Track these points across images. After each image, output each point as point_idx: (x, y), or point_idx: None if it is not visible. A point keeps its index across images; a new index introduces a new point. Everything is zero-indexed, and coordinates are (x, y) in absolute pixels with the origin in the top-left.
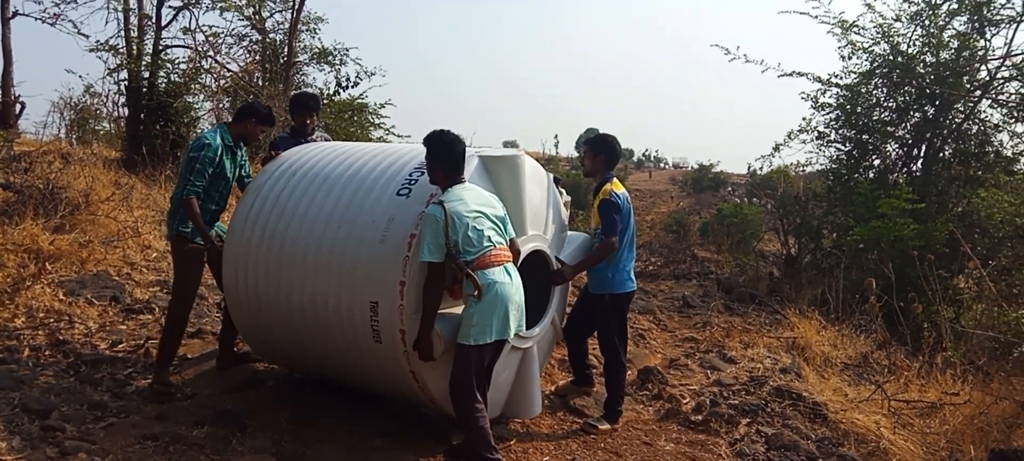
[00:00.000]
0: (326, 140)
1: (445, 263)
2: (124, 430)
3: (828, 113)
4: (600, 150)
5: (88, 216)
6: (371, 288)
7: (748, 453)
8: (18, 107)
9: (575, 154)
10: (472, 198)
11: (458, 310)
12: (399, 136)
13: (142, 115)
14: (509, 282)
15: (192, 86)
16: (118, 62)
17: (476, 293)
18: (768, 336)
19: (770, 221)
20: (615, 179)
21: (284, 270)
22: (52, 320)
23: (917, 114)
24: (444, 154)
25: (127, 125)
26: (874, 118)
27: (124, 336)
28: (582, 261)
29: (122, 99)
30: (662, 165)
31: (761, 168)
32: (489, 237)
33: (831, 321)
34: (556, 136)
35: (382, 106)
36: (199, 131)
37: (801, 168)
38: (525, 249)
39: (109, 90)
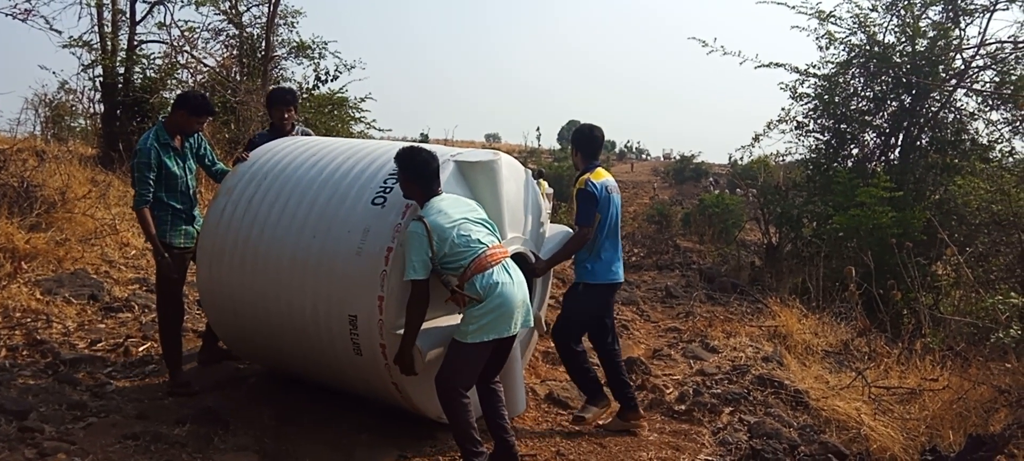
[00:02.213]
0: (306, 134)
1: (433, 279)
2: (104, 430)
3: (806, 103)
4: (577, 144)
5: (64, 214)
6: (349, 302)
7: (731, 442)
8: None
9: (557, 146)
10: (451, 207)
11: (442, 322)
12: (380, 130)
13: (118, 111)
14: (510, 280)
15: (168, 82)
16: (92, 58)
17: (477, 298)
18: (750, 325)
19: (751, 211)
20: (599, 168)
21: (259, 278)
22: (29, 319)
23: (894, 103)
24: (421, 173)
25: (103, 122)
26: (852, 107)
27: (103, 335)
28: (555, 254)
29: (97, 95)
30: (644, 156)
31: (742, 158)
32: (478, 239)
33: (812, 309)
34: (538, 128)
35: (362, 100)
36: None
37: (781, 158)
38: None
39: (84, 86)
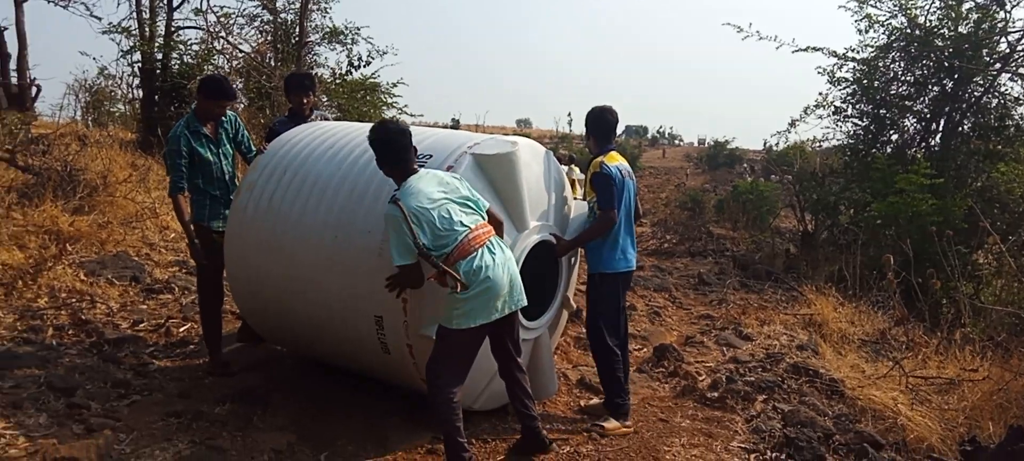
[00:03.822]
0: (324, 119)
1: (424, 262)
2: (148, 407)
3: (845, 88)
4: (590, 127)
5: (106, 197)
6: (374, 302)
7: (764, 429)
8: (34, 90)
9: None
10: (430, 186)
11: None
12: (412, 115)
13: (156, 97)
14: (493, 263)
15: (205, 67)
16: (131, 44)
17: (459, 289)
18: (785, 313)
19: (786, 198)
20: (612, 151)
21: (284, 277)
22: (74, 300)
23: (935, 88)
24: (388, 151)
25: (142, 107)
26: (891, 92)
27: (145, 315)
28: (579, 236)
29: (136, 81)
30: (677, 142)
31: (777, 144)
32: (460, 221)
33: (848, 298)
34: (569, 114)
35: (394, 85)
36: None
37: (818, 144)
38: (530, 242)
39: (123, 72)
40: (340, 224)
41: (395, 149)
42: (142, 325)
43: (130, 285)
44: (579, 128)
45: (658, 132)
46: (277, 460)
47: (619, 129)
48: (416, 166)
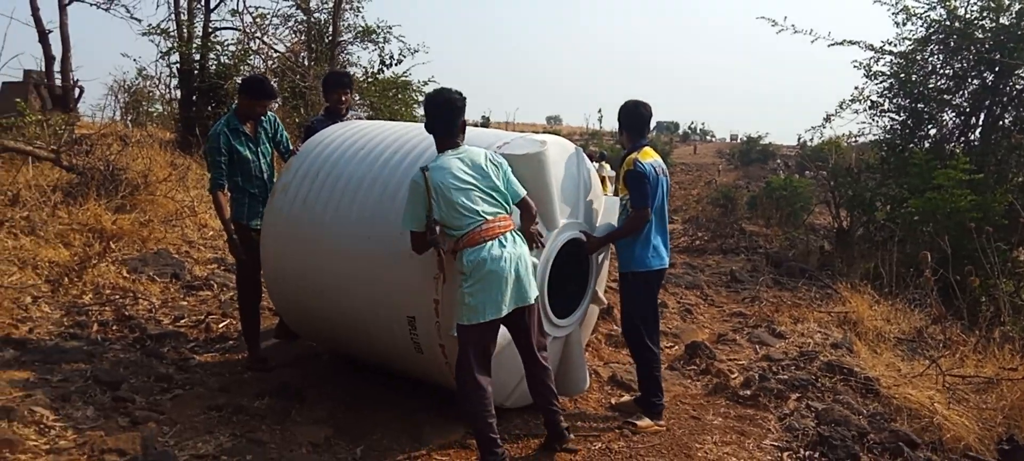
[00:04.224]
0: (358, 118)
1: (437, 235)
2: (190, 401)
3: (881, 82)
4: (623, 121)
5: (147, 196)
6: (406, 304)
7: (798, 428)
8: (77, 91)
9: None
10: (463, 167)
11: None
12: None
13: (194, 97)
14: (501, 255)
15: (241, 67)
16: (169, 45)
17: (461, 273)
18: (819, 311)
19: (821, 194)
20: (646, 147)
21: (320, 278)
22: (118, 297)
23: (975, 81)
24: (436, 116)
25: (180, 107)
26: (930, 86)
27: (186, 312)
28: (611, 233)
29: (174, 81)
30: (709, 138)
31: (811, 139)
32: (479, 211)
33: (884, 295)
34: (600, 110)
35: (425, 83)
36: None
37: (854, 139)
38: (560, 240)
39: (161, 73)
40: (373, 225)
41: (443, 115)
42: (183, 321)
43: (171, 282)
44: (610, 124)
45: (690, 128)
46: (315, 453)
47: (651, 124)
48: (460, 141)
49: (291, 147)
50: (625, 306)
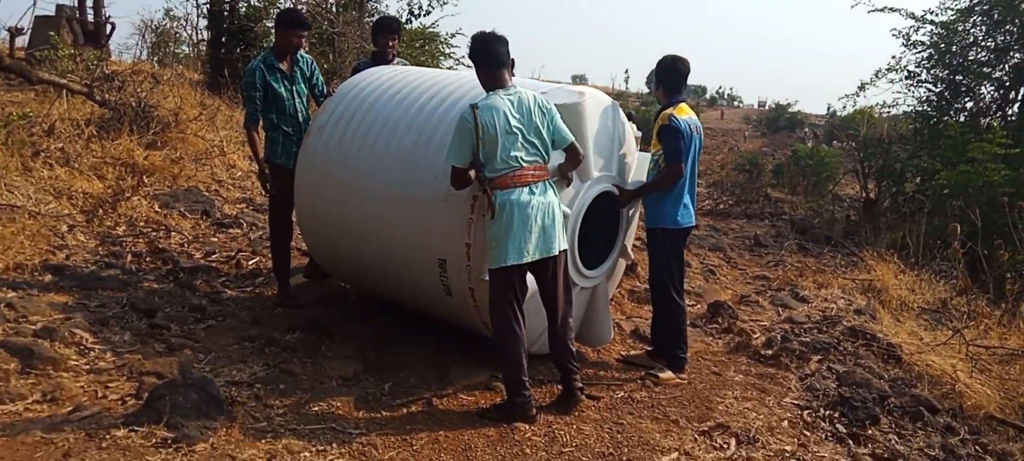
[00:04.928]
0: (405, 65)
1: (475, 174)
2: (223, 332)
3: (920, 52)
4: (660, 76)
5: (177, 134)
6: (438, 246)
7: (819, 388)
8: (108, 27)
9: (645, 89)
10: (511, 110)
11: None
12: (469, 66)
13: (223, 39)
14: (529, 202)
15: (271, 10)
16: None
17: (490, 214)
18: (843, 278)
19: (850, 164)
20: (682, 104)
21: (352, 218)
22: (150, 230)
23: (1017, 55)
24: (481, 55)
25: (209, 48)
26: (970, 58)
27: (216, 248)
28: (643, 187)
29: (202, 22)
30: (737, 104)
31: (843, 108)
32: (517, 156)
33: (910, 266)
34: (626, 70)
35: (452, 36)
36: None
37: (887, 109)
38: (593, 192)
39: (188, 14)
40: (407, 168)
41: (491, 55)
42: (214, 256)
43: (201, 218)
44: (636, 85)
45: (717, 93)
46: (345, 386)
47: None
48: (510, 81)
49: (325, 90)
50: (653, 261)
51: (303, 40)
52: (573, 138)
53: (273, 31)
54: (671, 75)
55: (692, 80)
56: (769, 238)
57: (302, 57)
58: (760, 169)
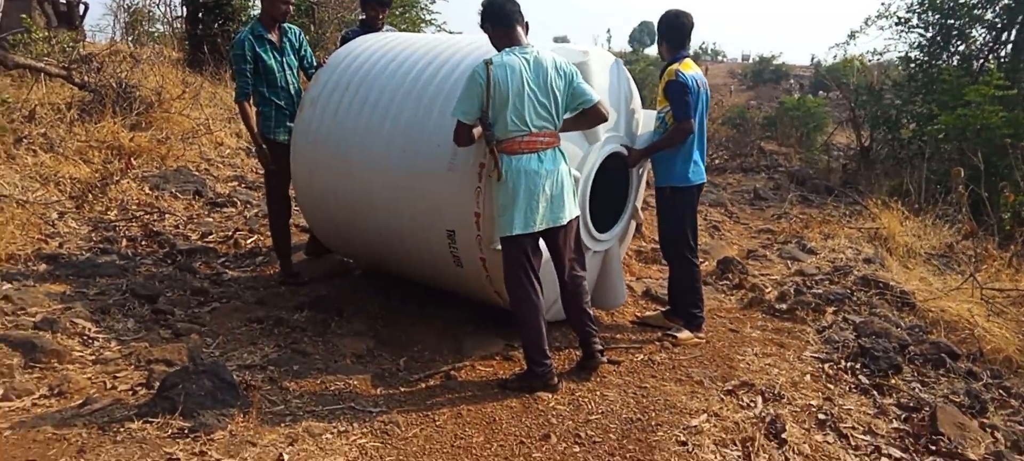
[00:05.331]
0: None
1: (482, 134)
2: (228, 314)
3: None
4: (663, 32)
5: (162, 114)
6: (446, 218)
7: (837, 340)
8: (82, 8)
9: (629, 48)
10: (526, 71)
11: None
12: (450, 31)
13: (200, 14)
14: (537, 170)
15: None
16: None
17: (495, 175)
18: (848, 227)
19: (837, 113)
20: (687, 59)
21: (353, 193)
22: (143, 213)
23: None
24: (492, 14)
25: (186, 25)
26: (960, 1)
27: (212, 228)
28: (652, 145)
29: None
30: (721, 58)
31: (835, 57)
32: (527, 121)
33: (914, 212)
34: (609, 30)
35: (432, 1)
36: None
37: (877, 56)
38: (602, 154)
39: None
40: (408, 138)
41: (502, 13)
42: (211, 237)
43: (193, 199)
44: (619, 45)
45: (701, 48)
46: (359, 364)
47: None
48: (526, 40)
49: (314, 62)
50: (663, 221)
51: (290, 7)
52: (598, 98)
53: (253, 3)
54: (675, 30)
55: None
56: (768, 191)
57: (290, 28)
58: (749, 123)
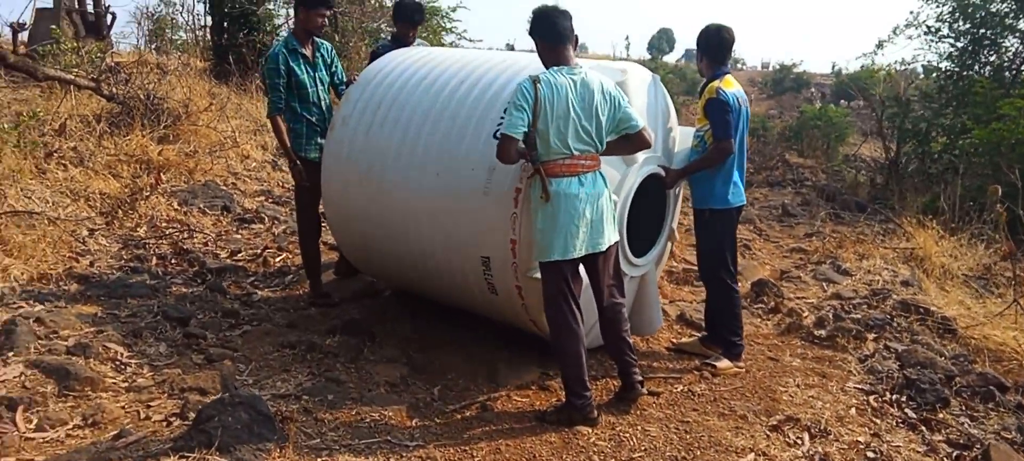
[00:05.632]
0: (425, 46)
1: (527, 153)
2: (260, 338)
3: (941, 5)
4: (703, 47)
5: (189, 127)
6: (481, 244)
7: (881, 370)
8: (110, 17)
9: (648, 56)
10: (573, 94)
11: None
12: (471, 40)
13: (225, 23)
14: (578, 194)
15: None
16: None
17: (543, 197)
18: (883, 247)
19: (860, 124)
20: (728, 76)
21: (386, 214)
22: (173, 230)
23: None
24: (543, 29)
25: (212, 34)
26: (992, 10)
27: (241, 245)
28: (690, 164)
29: (199, 7)
30: (740, 66)
31: (848, 67)
32: (569, 144)
33: (950, 231)
34: (627, 37)
35: (454, 9)
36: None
37: (906, 66)
38: (640, 175)
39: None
40: (441, 160)
41: (553, 29)
42: (240, 255)
43: (222, 215)
44: (638, 52)
45: None
46: (394, 393)
47: (680, 52)
48: (575, 60)
49: (346, 79)
50: (703, 244)
51: (326, 21)
52: (643, 124)
53: (293, 12)
54: (715, 45)
55: (695, 44)
56: (797, 207)
57: (322, 44)
58: (770, 132)
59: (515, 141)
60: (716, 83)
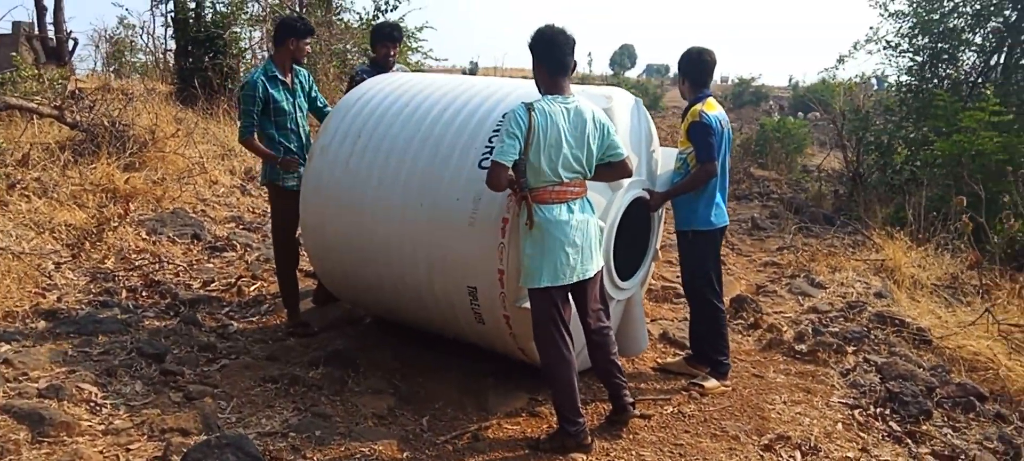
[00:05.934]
0: (404, 71)
1: (516, 180)
2: (239, 372)
3: (902, 21)
4: (684, 70)
5: (156, 153)
6: (467, 274)
7: (863, 384)
8: (71, 43)
9: (610, 72)
10: (566, 123)
11: None
12: (436, 59)
13: (189, 47)
14: (568, 221)
15: (239, 15)
16: None
17: (527, 224)
18: (854, 259)
19: (818, 135)
20: (710, 99)
21: (368, 247)
22: (142, 261)
23: (998, 19)
24: (544, 55)
25: (176, 58)
26: (950, 25)
27: (214, 274)
28: (674, 187)
29: (168, 31)
30: None
31: (805, 80)
32: (560, 173)
33: (917, 241)
34: (589, 54)
35: (420, 30)
36: (250, 65)
37: (866, 80)
38: (625, 200)
39: (144, 21)
40: (424, 191)
41: (553, 58)
42: (213, 285)
43: (192, 243)
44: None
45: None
46: (382, 425)
47: (641, 67)
48: (569, 90)
49: (326, 105)
50: (686, 265)
51: (309, 48)
52: (627, 154)
53: (273, 42)
54: (697, 68)
55: (655, 60)
56: (766, 220)
57: (300, 71)
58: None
59: (506, 168)
60: (698, 106)
